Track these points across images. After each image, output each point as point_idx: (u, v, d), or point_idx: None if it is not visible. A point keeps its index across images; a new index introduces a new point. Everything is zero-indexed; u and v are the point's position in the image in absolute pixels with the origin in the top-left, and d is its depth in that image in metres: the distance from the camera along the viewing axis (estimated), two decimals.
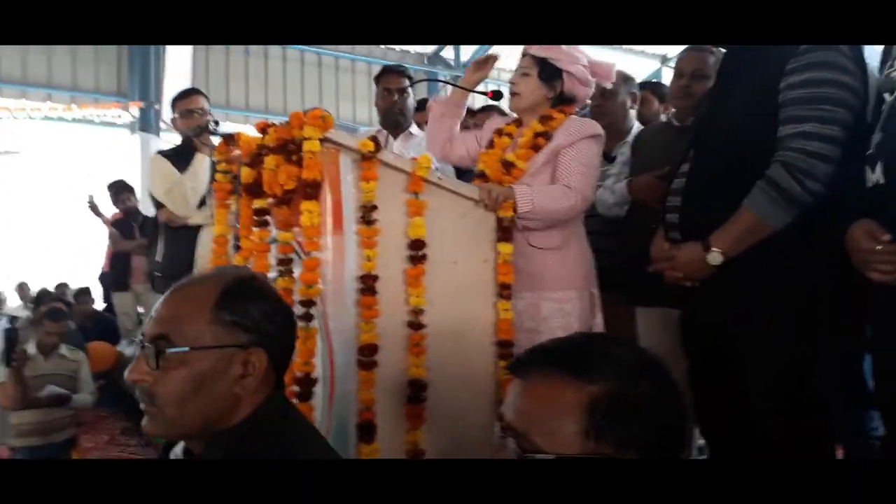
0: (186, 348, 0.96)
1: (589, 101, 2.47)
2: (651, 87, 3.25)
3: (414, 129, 3.21)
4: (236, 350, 0.98)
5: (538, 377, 0.78)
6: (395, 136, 3.11)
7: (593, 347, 0.81)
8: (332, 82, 10.49)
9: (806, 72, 1.53)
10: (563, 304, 2.02)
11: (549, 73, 2.08)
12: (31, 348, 3.25)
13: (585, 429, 0.73)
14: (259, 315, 1.00)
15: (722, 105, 1.69)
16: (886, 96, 1.41)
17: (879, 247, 1.30)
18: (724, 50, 2.46)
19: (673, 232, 1.72)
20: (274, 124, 1.78)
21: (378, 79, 3.19)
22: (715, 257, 1.57)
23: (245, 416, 0.99)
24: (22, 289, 7.93)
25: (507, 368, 1.04)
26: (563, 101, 2.12)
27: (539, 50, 2.08)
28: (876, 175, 1.37)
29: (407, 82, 3.14)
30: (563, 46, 2.08)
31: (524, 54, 2.12)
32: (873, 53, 1.87)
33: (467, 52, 11.03)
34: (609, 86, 2.36)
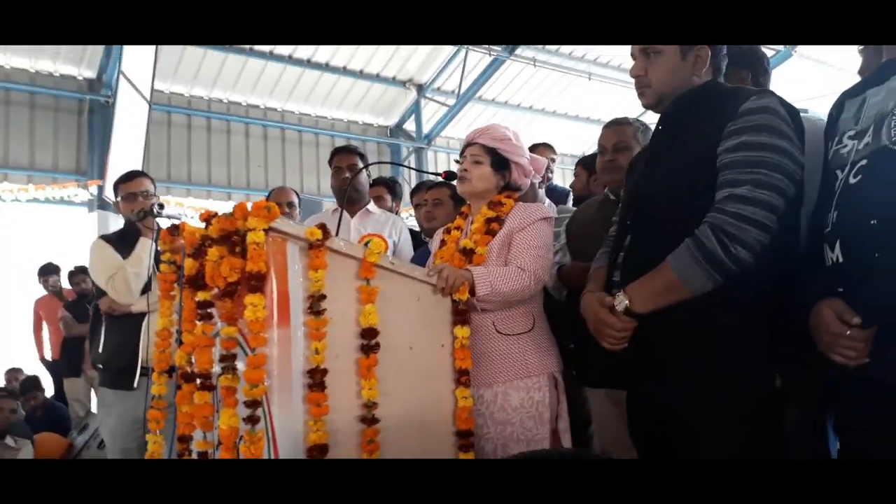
0: None
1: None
2: (582, 162, 3.18)
3: (372, 206, 3.23)
4: None
5: None
6: (353, 214, 3.12)
7: None
8: (295, 156, 10.50)
9: (743, 135, 1.44)
10: (534, 393, 1.97)
11: (500, 162, 2.14)
12: None
13: None
14: None
15: (657, 170, 1.60)
16: (839, 173, 1.38)
17: (849, 331, 1.26)
18: (642, 120, 2.50)
19: None
20: (217, 214, 1.72)
21: (331, 159, 3.26)
22: (620, 301, 1.49)
23: None
24: None
25: None
26: (509, 189, 2.17)
27: (490, 140, 2.13)
28: (835, 254, 1.34)
29: (358, 160, 3.16)
30: (512, 139, 2.14)
31: (472, 143, 2.16)
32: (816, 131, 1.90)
33: (428, 125, 11.22)
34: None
